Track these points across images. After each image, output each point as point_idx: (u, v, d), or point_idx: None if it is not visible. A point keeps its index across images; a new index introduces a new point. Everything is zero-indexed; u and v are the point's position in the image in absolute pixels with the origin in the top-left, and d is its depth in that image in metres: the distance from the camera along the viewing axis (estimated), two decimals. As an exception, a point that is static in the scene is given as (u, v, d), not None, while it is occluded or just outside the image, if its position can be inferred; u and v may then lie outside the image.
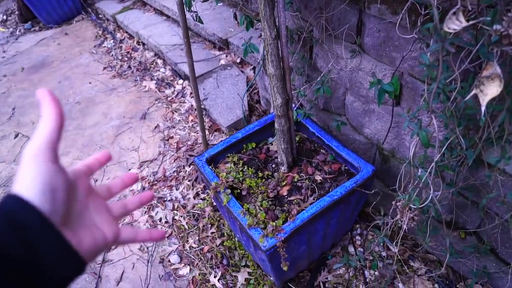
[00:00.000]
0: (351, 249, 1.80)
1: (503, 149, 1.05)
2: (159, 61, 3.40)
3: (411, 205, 1.16)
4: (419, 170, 1.15)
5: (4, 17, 4.99)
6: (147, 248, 1.97)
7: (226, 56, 2.98)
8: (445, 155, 1.18)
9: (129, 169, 2.42)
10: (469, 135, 1.14)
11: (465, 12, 0.91)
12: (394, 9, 1.23)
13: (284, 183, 1.56)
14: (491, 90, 0.84)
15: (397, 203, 1.25)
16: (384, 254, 1.73)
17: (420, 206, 1.13)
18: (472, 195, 1.34)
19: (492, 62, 0.84)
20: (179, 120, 2.74)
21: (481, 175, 1.26)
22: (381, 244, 1.73)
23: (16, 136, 2.90)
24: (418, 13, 1.14)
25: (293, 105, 1.64)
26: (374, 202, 1.70)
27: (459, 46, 1.05)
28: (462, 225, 1.50)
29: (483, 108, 0.83)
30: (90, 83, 3.36)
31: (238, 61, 2.92)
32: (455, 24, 0.78)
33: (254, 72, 2.77)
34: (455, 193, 1.35)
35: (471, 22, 0.79)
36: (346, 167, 1.61)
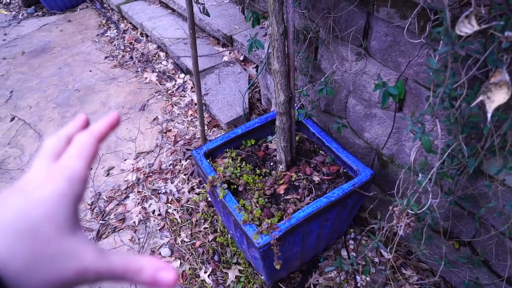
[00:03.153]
0: (344, 253, 1.79)
1: (505, 159, 1.04)
2: (162, 54, 3.38)
3: (409, 211, 1.15)
4: (419, 176, 1.14)
5: (8, 0, 4.95)
6: (139, 239, 1.95)
7: (230, 53, 2.97)
8: (445, 162, 1.17)
9: (125, 159, 2.40)
10: (471, 143, 1.14)
11: (477, 18, 0.90)
12: (403, 13, 1.22)
13: (282, 182, 1.55)
14: (498, 97, 0.83)
15: (394, 208, 1.24)
16: (377, 260, 1.72)
17: (418, 212, 1.13)
18: (469, 205, 1.34)
19: (501, 69, 0.84)
20: (178, 113, 2.72)
21: (480, 185, 1.26)
22: (375, 249, 1.73)
23: (12, 119, 2.87)
24: (427, 18, 1.13)
25: (295, 105, 1.63)
26: (371, 207, 1.69)
27: (467, 54, 1.05)
28: (457, 235, 1.49)
29: (489, 115, 0.83)
30: (90, 71, 3.33)
31: (241, 58, 2.90)
32: (467, 27, 0.77)
33: (256, 70, 2.76)
34: (452, 202, 1.35)
35: (483, 26, 0.78)
36: (345, 170, 1.60)
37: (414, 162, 1.22)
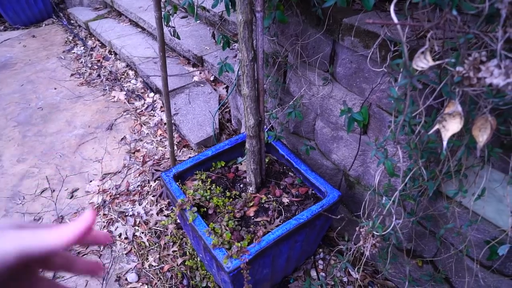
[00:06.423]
0: (313, 273, 1.81)
1: (460, 182, 1.11)
2: (131, 72, 3.35)
3: (374, 232, 1.19)
4: (383, 198, 1.19)
5: (-33, 13, 4.74)
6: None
7: (200, 73, 2.99)
8: (407, 185, 1.23)
9: (91, 181, 2.32)
10: (430, 167, 1.20)
11: (432, 52, 0.97)
12: (366, 43, 1.29)
13: (252, 204, 1.55)
14: (452, 127, 0.89)
15: (361, 229, 1.28)
16: (345, 279, 1.75)
17: (382, 233, 1.17)
18: (430, 225, 1.40)
19: (454, 101, 0.90)
20: (147, 133, 2.68)
21: (439, 206, 1.32)
22: (343, 269, 1.75)
23: (-32, 138, 2.71)
24: (388, 49, 1.20)
25: (264, 127, 1.66)
26: (339, 228, 1.72)
27: (424, 83, 1.12)
28: (420, 254, 1.55)
29: (444, 142, 0.88)
30: (55, 88, 3.23)
31: (211, 79, 2.93)
32: (423, 62, 0.83)
33: (227, 91, 2.79)
34: (415, 222, 1.41)
35: (437, 62, 0.84)
36: (313, 191, 1.63)
37: (378, 185, 1.28)
